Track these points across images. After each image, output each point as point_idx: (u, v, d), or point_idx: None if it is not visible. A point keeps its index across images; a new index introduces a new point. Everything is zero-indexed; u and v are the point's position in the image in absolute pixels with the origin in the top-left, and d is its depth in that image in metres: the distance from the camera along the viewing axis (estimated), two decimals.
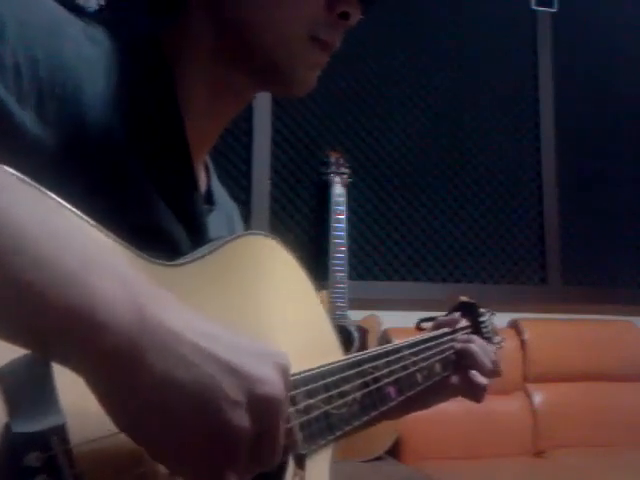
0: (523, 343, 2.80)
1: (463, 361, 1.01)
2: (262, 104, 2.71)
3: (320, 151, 2.80)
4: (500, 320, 2.80)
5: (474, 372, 1.00)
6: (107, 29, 0.61)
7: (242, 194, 2.68)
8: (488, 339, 1.11)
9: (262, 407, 0.43)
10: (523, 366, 2.79)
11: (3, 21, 0.50)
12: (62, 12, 0.57)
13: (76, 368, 0.40)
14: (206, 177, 0.77)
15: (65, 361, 0.40)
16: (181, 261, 0.61)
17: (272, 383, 0.44)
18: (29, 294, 0.37)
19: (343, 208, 2.62)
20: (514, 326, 2.87)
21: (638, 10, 3.42)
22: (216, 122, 0.72)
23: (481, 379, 1.00)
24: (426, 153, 2.98)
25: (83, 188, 0.46)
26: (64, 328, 0.38)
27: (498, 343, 1.15)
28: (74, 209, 0.45)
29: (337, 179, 2.66)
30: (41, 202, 0.41)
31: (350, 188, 2.71)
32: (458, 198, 3.02)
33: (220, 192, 0.82)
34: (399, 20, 2.98)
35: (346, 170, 2.69)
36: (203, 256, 0.63)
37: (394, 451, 2.50)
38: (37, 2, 0.55)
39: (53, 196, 0.43)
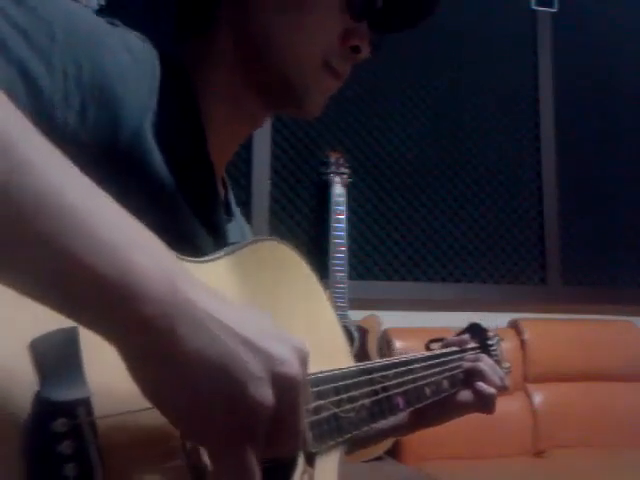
0: (523, 343, 2.80)
1: (471, 379, 1.04)
2: None
3: (320, 151, 2.80)
4: (500, 320, 2.83)
5: (481, 383, 1.02)
6: (141, 38, 0.65)
7: (242, 194, 2.68)
8: (496, 362, 1.13)
9: (283, 385, 0.45)
10: (523, 366, 2.79)
11: (54, 27, 0.54)
12: (101, 22, 0.61)
13: (109, 337, 0.42)
14: (224, 190, 0.80)
15: (99, 329, 0.42)
16: (201, 259, 0.63)
17: (291, 364, 0.45)
18: (68, 261, 0.39)
19: (343, 208, 2.62)
20: (514, 326, 2.87)
21: (638, 10, 3.42)
22: (232, 140, 0.76)
23: (490, 389, 1.03)
24: (426, 153, 2.99)
25: (114, 190, 0.47)
26: (100, 296, 0.40)
27: (506, 369, 1.16)
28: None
29: (337, 179, 2.66)
30: (83, 179, 0.44)
31: (350, 188, 2.71)
32: (458, 198, 3.02)
33: (236, 208, 0.85)
34: None
35: (346, 170, 2.70)
36: (221, 257, 0.65)
37: (394, 451, 2.50)
38: (80, 13, 0.59)
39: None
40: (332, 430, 0.69)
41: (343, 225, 2.60)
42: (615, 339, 2.96)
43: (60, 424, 0.43)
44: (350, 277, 2.57)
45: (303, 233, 2.77)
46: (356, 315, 2.57)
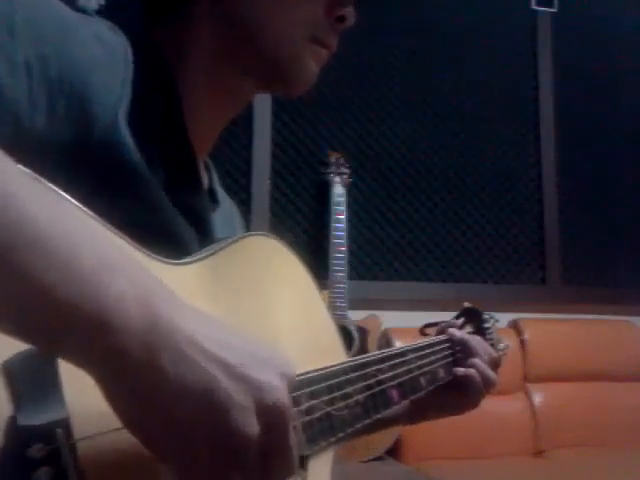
0: (523, 343, 2.80)
1: (460, 354, 1.02)
2: (262, 104, 2.70)
3: (320, 151, 2.80)
4: (500, 320, 2.81)
5: (475, 361, 1.01)
6: (111, 27, 0.62)
7: (242, 194, 2.68)
8: (492, 345, 1.13)
9: (269, 413, 0.43)
10: (523, 366, 2.79)
11: (14, 19, 0.51)
12: (70, 12, 0.58)
13: (84, 367, 0.40)
14: (207, 176, 0.78)
15: (73, 359, 0.41)
16: (187, 260, 0.61)
17: (277, 391, 0.44)
18: (40, 291, 0.38)
19: (343, 208, 2.62)
20: (514, 326, 2.86)
21: (638, 10, 3.42)
22: (216, 123, 0.74)
23: (487, 370, 1.01)
24: (426, 153, 2.98)
25: (91, 187, 0.46)
26: (73, 327, 0.39)
27: (502, 349, 1.16)
28: (87, 210, 0.46)
29: (337, 179, 2.66)
30: (56, 202, 0.42)
31: (350, 188, 2.71)
32: (458, 198, 3.01)
33: (221, 191, 0.83)
34: (398, 20, 2.98)
35: (346, 170, 2.69)
36: (209, 255, 0.64)
37: (394, 451, 2.50)
38: (46, 2, 0.55)
39: (67, 197, 0.44)
40: (325, 430, 0.67)
41: (343, 225, 2.59)
42: (615, 339, 2.95)
43: (35, 450, 0.41)
44: (350, 277, 2.57)
45: (303, 233, 2.77)
46: (356, 315, 2.57)
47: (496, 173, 3.09)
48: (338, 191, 2.64)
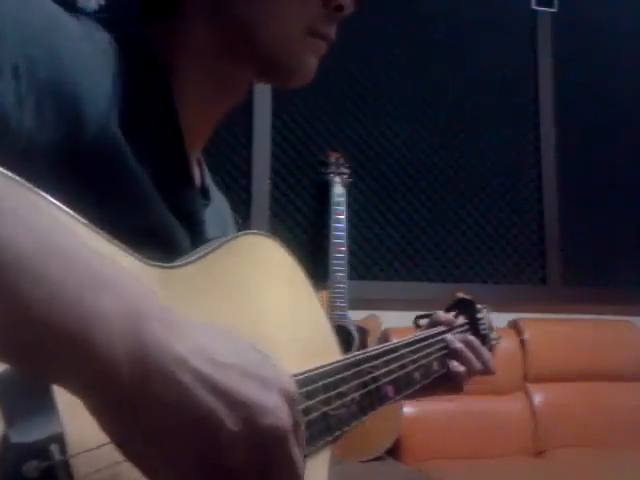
0: (523, 343, 2.80)
1: (448, 357, 1.03)
2: (262, 103, 2.71)
3: (320, 151, 2.80)
4: (500, 320, 2.82)
5: (453, 361, 1.01)
6: (102, 26, 0.61)
7: (242, 194, 2.68)
8: (485, 336, 1.13)
9: (267, 438, 0.41)
10: (523, 366, 2.79)
11: (4, 22, 0.50)
12: (58, 11, 0.57)
13: (77, 394, 0.39)
14: (200, 173, 0.77)
15: (64, 385, 0.39)
16: (180, 262, 0.60)
17: (274, 414, 0.42)
18: (24, 313, 0.36)
19: (343, 208, 2.62)
20: (514, 326, 2.86)
21: (638, 10, 3.42)
22: (210, 117, 0.72)
23: (458, 368, 1.01)
24: (426, 153, 2.98)
25: (81, 189, 0.45)
26: (59, 349, 0.37)
27: (495, 339, 1.16)
28: (74, 214, 0.44)
29: (337, 179, 2.66)
30: (39, 210, 0.40)
31: (350, 188, 2.71)
32: (458, 198, 3.01)
33: (212, 186, 0.82)
34: (399, 20, 2.98)
35: (346, 170, 2.69)
36: (202, 256, 0.63)
37: (394, 451, 2.50)
38: (34, 1, 0.54)
39: (52, 200, 0.42)
40: (322, 430, 0.67)
41: (343, 225, 2.59)
42: (615, 339, 2.95)
43: (32, 468, 0.39)
44: (350, 277, 2.57)
45: (303, 233, 2.77)
46: (356, 315, 2.57)
47: (496, 173, 3.09)
48: (338, 191, 2.64)
